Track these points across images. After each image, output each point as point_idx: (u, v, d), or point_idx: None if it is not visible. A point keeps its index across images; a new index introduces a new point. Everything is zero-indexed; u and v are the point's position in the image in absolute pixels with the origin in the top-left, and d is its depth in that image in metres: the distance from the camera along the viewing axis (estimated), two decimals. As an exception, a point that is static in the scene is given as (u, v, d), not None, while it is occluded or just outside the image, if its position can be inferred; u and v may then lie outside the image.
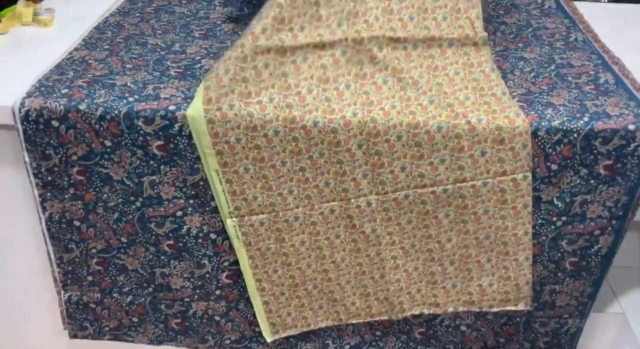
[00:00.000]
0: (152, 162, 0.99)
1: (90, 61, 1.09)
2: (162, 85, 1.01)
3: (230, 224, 1.02)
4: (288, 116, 0.94)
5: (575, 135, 0.95)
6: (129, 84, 1.01)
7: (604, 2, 1.83)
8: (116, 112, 0.95)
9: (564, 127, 0.95)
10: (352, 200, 1.01)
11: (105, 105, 0.96)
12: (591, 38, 1.25)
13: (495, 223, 1.03)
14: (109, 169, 1.01)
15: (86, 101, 0.97)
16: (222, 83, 0.93)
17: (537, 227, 1.05)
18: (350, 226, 1.04)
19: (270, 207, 1.01)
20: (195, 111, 0.94)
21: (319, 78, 0.96)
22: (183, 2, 1.39)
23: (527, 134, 0.95)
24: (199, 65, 1.09)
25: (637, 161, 0.97)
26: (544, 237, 1.05)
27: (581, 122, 0.95)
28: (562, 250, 1.06)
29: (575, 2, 1.45)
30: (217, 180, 0.99)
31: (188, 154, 0.99)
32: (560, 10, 1.38)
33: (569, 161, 0.98)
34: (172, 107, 0.96)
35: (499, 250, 1.06)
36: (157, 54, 1.12)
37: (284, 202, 1.01)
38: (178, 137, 0.97)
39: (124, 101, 0.97)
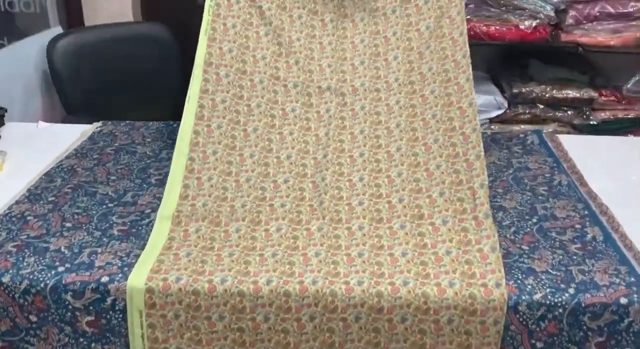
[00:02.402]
0: (81, 339, 0.88)
1: (29, 218, 1.00)
2: (99, 250, 0.92)
3: None
4: (242, 270, 0.87)
5: (561, 310, 0.84)
6: (62, 248, 0.92)
7: (590, 127, 1.78)
8: (42, 285, 0.85)
9: (548, 301, 0.84)
10: None
11: (31, 277, 0.86)
12: (576, 180, 1.16)
13: None
14: (34, 345, 0.89)
15: (11, 271, 0.87)
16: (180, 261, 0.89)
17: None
18: None
19: None
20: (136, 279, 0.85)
21: (287, 246, 0.92)
22: (147, 140, 1.33)
23: (502, 310, 0.83)
24: (147, 220, 1.00)
25: (632, 338, 0.85)
26: None
27: (566, 295, 0.84)
28: None
29: (560, 136, 1.38)
30: (137, 323, 0.86)
31: (122, 330, 0.87)
32: (543, 147, 1.31)
33: (555, 338, 0.85)
34: (104, 279, 0.86)
35: None
36: (104, 207, 1.04)
37: None
38: (111, 312, 0.86)
39: (53, 272, 0.87)
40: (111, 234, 0.96)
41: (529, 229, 0.99)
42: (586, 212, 1.04)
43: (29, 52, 1.78)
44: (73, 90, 1.76)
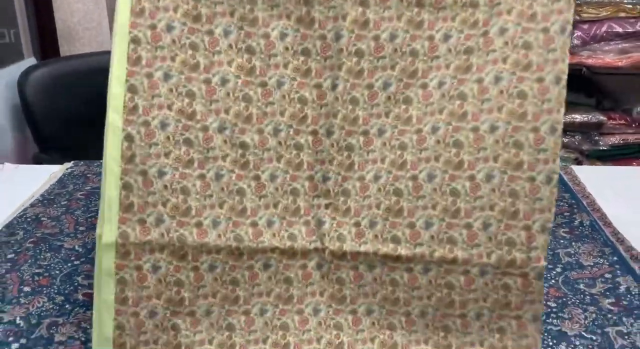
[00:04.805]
0: None
1: (-19, 279, 0.87)
2: (60, 320, 0.79)
3: None
4: None
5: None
6: (17, 320, 0.79)
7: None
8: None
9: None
10: None
11: (-23, 358, 0.73)
12: (599, 220, 1.05)
13: None
14: None
15: (-47, 351, 0.74)
16: (144, 329, 0.70)
17: None
18: None
19: None
20: None
21: (275, 330, 0.72)
22: (122, 182, 1.20)
23: None
24: (118, 280, 0.87)
25: None
26: None
27: (606, 365, 0.72)
28: None
29: (574, 168, 1.27)
30: None
31: None
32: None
33: None
34: (64, 358, 0.73)
35: None
36: (69, 265, 0.91)
37: None
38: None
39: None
40: (75, 299, 0.83)
41: (553, 281, 0.88)
42: (615, 258, 0.93)
43: (-1, 86, 1.66)
44: (46, 125, 1.64)
